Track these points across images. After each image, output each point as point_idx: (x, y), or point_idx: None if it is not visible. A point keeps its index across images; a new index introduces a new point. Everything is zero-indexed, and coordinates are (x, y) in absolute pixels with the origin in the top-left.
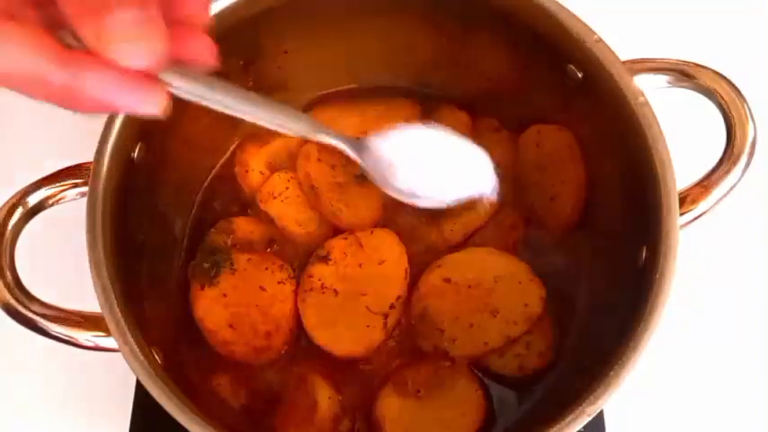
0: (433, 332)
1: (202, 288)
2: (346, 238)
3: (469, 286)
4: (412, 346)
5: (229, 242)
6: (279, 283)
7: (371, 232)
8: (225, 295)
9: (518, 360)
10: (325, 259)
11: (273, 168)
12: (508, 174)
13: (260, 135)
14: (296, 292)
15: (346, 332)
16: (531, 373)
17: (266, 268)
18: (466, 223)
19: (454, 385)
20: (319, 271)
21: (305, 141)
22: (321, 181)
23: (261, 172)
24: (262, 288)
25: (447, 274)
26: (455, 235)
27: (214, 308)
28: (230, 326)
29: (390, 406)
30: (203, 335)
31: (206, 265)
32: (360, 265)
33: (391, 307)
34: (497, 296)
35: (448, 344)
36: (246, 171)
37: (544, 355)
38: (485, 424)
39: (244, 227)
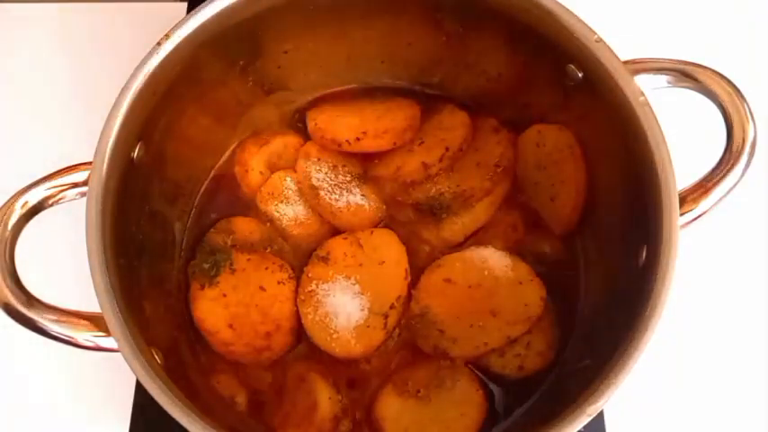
0: (433, 332)
1: (202, 288)
2: (346, 238)
3: (470, 286)
4: (412, 346)
5: (229, 242)
6: (279, 283)
7: (371, 232)
8: (225, 295)
9: (518, 360)
10: (325, 259)
11: (273, 168)
12: (508, 174)
13: (260, 135)
14: (296, 292)
15: (346, 332)
16: (531, 374)
17: (266, 268)
18: (466, 223)
19: (454, 385)
20: (319, 271)
21: (305, 141)
22: (321, 181)
23: (261, 172)
24: (262, 288)
25: (447, 275)
26: (455, 235)
27: (214, 308)
28: (230, 326)
29: (390, 406)
30: (203, 335)
31: (206, 266)
32: (360, 265)
33: (391, 307)
34: (498, 296)
35: (448, 344)
36: (246, 171)
37: (544, 355)
38: (485, 424)
39: (243, 227)
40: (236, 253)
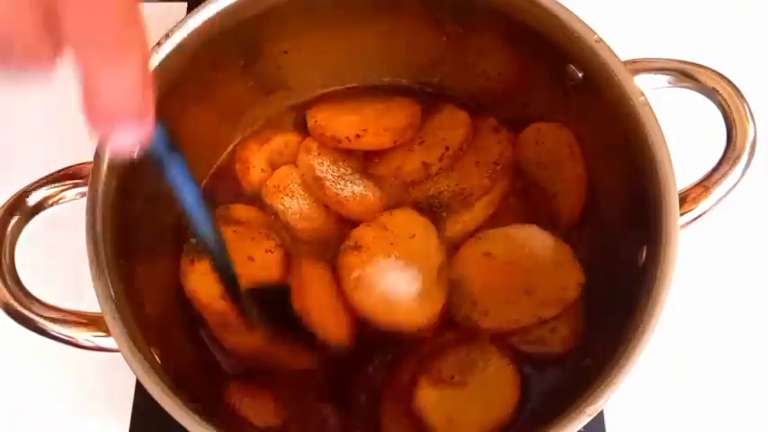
0: (466, 302)
1: (192, 263)
2: (369, 225)
3: (508, 262)
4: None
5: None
6: (267, 251)
7: (391, 213)
8: None
9: (541, 341)
10: (357, 248)
11: (274, 166)
12: (507, 172)
13: (261, 132)
14: (285, 260)
15: (408, 304)
16: (549, 357)
17: (253, 238)
18: (466, 221)
19: (486, 365)
20: (355, 260)
21: (305, 138)
22: (324, 172)
23: (262, 169)
24: (250, 258)
25: (488, 248)
26: (455, 234)
27: (205, 281)
28: (222, 297)
29: (428, 397)
30: (195, 306)
31: (193, 240)
32: (391, 244)
33: (439, 271)
34: (536, 275)
35: (479, 316)
36: (247, 168)
37: (567, 341)
38: (521, 398)
39: (242, 214)
40: (223, 226)
